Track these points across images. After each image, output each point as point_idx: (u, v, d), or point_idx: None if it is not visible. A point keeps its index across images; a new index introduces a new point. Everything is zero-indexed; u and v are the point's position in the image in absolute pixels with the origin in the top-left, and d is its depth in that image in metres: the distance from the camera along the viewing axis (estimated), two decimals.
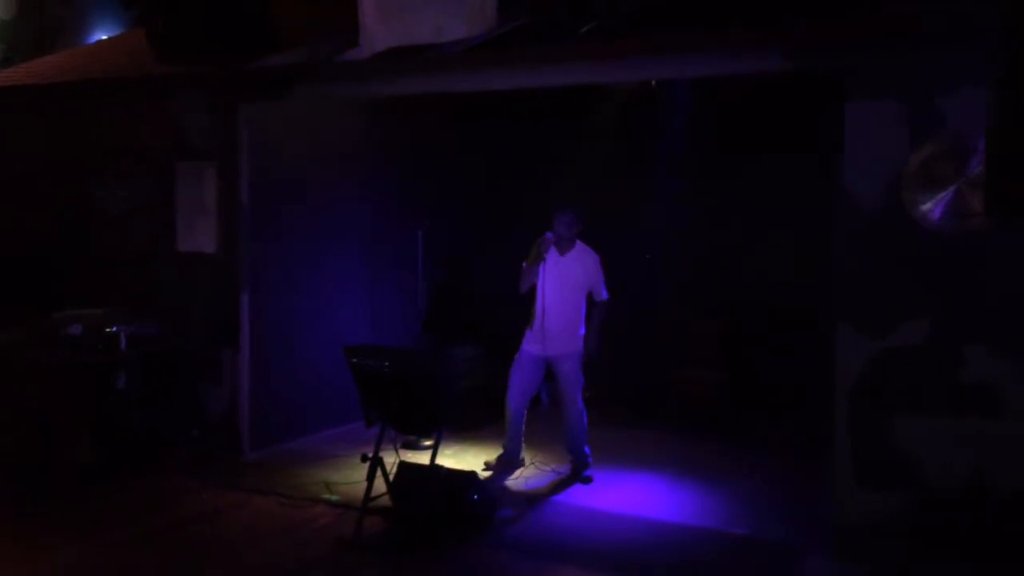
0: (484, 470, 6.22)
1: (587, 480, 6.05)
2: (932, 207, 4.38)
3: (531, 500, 5.71)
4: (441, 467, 5.20)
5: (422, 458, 5.33)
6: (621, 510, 5.53)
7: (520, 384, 6.12)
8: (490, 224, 8.89)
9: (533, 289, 6.02)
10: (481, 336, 8.39)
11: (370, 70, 5.88)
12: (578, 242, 6.06)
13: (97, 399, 6.19)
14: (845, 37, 4.64)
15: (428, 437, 6.25)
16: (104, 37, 8.66)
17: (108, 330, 6.23)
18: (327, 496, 5.68)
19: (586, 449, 6.16)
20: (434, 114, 8.07)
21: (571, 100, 8.02)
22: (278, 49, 6.28)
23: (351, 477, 5.88)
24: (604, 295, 6.10)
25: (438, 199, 8.35)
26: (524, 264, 6.03)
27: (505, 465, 6.22)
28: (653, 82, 7.65)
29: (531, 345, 6.08)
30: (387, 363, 5.01)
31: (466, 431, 7.18)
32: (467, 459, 6.51)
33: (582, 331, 6.07)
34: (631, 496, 5.81)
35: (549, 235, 5.94)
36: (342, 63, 5.94)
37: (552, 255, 5.98)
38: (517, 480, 6.11)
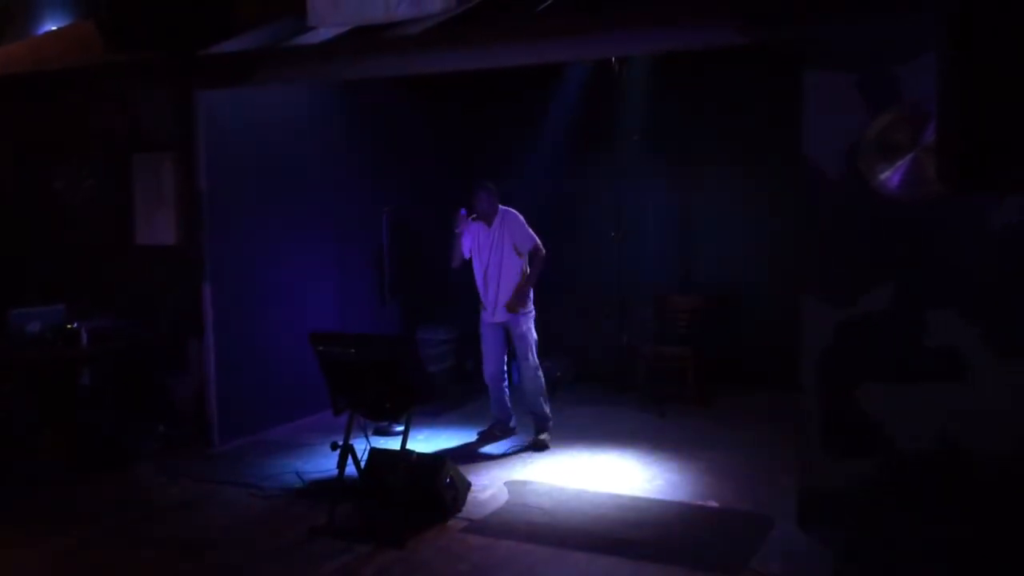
0: (478, 438, 6.59)
1: (543, 446, 6.29)
2: (891, 175, 4.41)
3: (504, 480, 5.72)
4: (412, 452, 5.18)
5: (393, 444, 5.31)
6: (594, 487, 5.55)
7: (488, 354, 6.46)
8: (459, 205, 8.83)
9: (473, 262, 6.44)
10: (451, 319, 8.37)
11: (330, 53, 5.80)
12: (500, 208, 6.37)
13: (60, 397, 6.10)
14: (797, 8, 4.63)
15: (399, 423, 6.22)
16: (53, 28, 8.46)
17: (69, 326, 6.13)
18: (299, 485, 5.65)
19: (547, 409, 6.41)
20: (399, 95, 8.00)
21: (538, 78, 7.99)
22: (233, 33, 6.17)
23: (322, 465, 5.86)
24: (527, 245, 6.32)
25: (405, 182, 8.29)
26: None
27: (499, 432, 6.56)
28: (614, 60, 7.62)
29: (485, 314, 6.45)
30: (353, 349, 4.98)
31: (437, 415, 7.17)
32: (439, 443, 6.50)
33: (529, 293, 6.35)
34: (603, 472, 5.83)
35: (463, 211, 6.31)
36: (300, 46, 5.85)
37: (481, 229, 6.37)
38: (491, 460, 6.12)
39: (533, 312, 6.40)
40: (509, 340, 6.46)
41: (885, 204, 4.51)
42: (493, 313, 6.38)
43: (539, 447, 6.27)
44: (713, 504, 5.24)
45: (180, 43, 6.16)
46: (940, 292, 4.49)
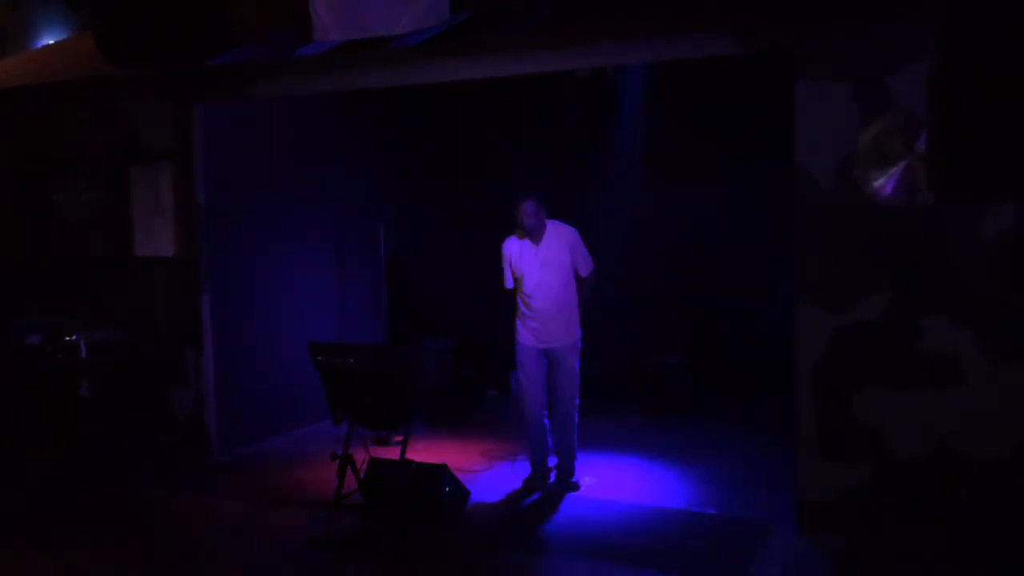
0: (527, 489, 5.74)
1: (576, 486, 5.69)
2: (884, 183, 4.45)
3: (504, 489, 5.72)
4: (412, 462, 5.19)
5: (393, 454, 5.32)
6: (594, 495, 5.56)
7: (534, 382, 5.67)
8: (454, 217, 8.88)
9: (519, 283, 5.67)
10: (449, 331, 8.39)
11: (327, 64, 5.85)
12: (549, 223, 5.62)
13: (60, 408, 6.11)
14: (792, 17, 4.67)
15: (397, 433, 6.23)
16: (52, 41, 8.50)
17: (68, 338, 6.15)
18: (298, 495, 5.65)
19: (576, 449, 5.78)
20: (397, 107, 8.03)
21: (530, 89, 8.02)
22: (232, 45, 6.21)
23: (322, 475, 5.85)
24: (587, 268, 5.66)
25: (401, 194, 8.32)
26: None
27: (538, 483, 5.72)
28: (609, 69, 7.66)
29: (530, 340, 5.67)
30: (352, 359, 4.99)
31: (437, 424, 7.18)
32: (438, 453, 6.50)
33: (578, 317, 5.71)
34: (601, 481, 5.84)
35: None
36: (298, 59, 5.89)
37: (525, 248, 5.61)
38: (491, 470, 6.13)
39: (580, 344, 5.70)
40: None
41: (879, 212, 4.54)
42: (540, 339, 5.62)
43: (574, 488, 5.67)
44: (712, 511, 5.25)
45: (179, 56, 6.18)
46: (935, 298, 4.52)
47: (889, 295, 4.60)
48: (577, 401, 5.71)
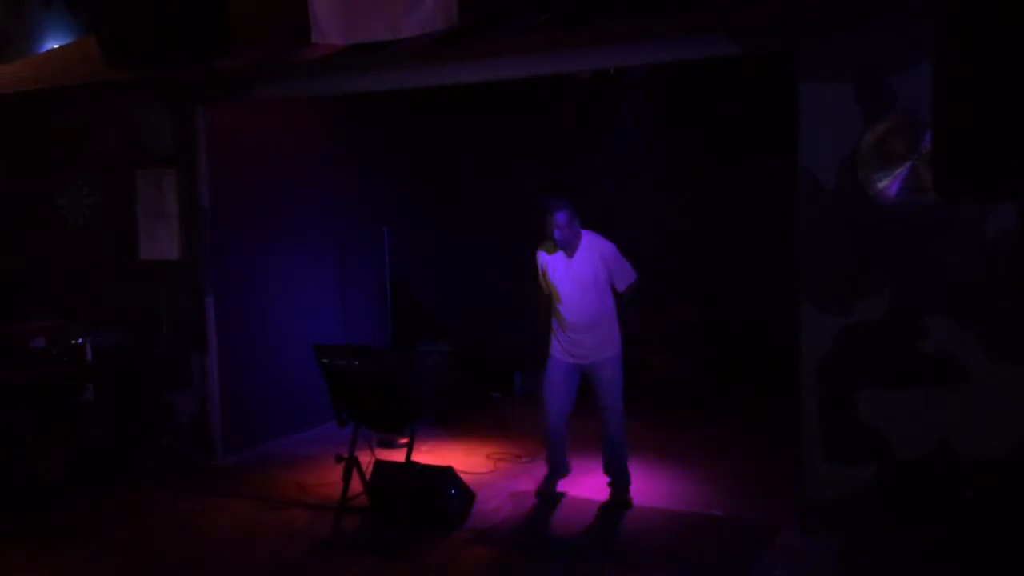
0: (537, 494, 5.62)
1: (629, 504, 5.42)
2: (888, 184, 4.45)
3: (509, 491, 5.73)
4: (417, 464, 5.20)
5: (398, 456, 5.33)
6: (598, 497, 5.56)
7: (555, 397, 5.47)
8: (457, 218, 8.88)
9: (551, 297, 5.48)
10: (452, 332, 8.40)
11: (328, 67, 5.85)
12: (584, 235, 5.38)
13: (64, 412, 6.13)
14: (794, 18, 4.68)
15: (402, 435, 6.24)
16: (56, 46, 8.52)
17: (73, 341, 6.16)
18: (303, 498, 5.65)
19: (628, 465, 5.55)
20: (397, 112, 8.05)
21: (532, 92, 8.03)
22: (234, 49, 6.22)
23: (327, 478, 5.86)
24: (626, 282, 5.41)
25: (404, 198, 8.33)
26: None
27: (557, 482, 5.66)
28: (611, 69, 7.66)
29: (561, 355, 5.46)
30: (357, 362, 5.00)
31: (441, 427, 7.19)
32: (443, 455, 6.52)
33: (617, 330, 5.47)
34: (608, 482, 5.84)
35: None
36: (301, 61, 5.90)
37: (561, 262, 5.37)
38: (496, 471, 6.14)
39: (621, 352, 5.48)
40: (584, 383, 5.53)
41: (882, 212, 4.55)
42: (575, 356, 5.41)
43: (628, 506, 5.41)
44: (717, 512, 5.25)
45: (181, 59, 6.21)
46: (937, 298, 4.52)
47: (892, 295, 4.60)
48: (622, 411, 5.47)
